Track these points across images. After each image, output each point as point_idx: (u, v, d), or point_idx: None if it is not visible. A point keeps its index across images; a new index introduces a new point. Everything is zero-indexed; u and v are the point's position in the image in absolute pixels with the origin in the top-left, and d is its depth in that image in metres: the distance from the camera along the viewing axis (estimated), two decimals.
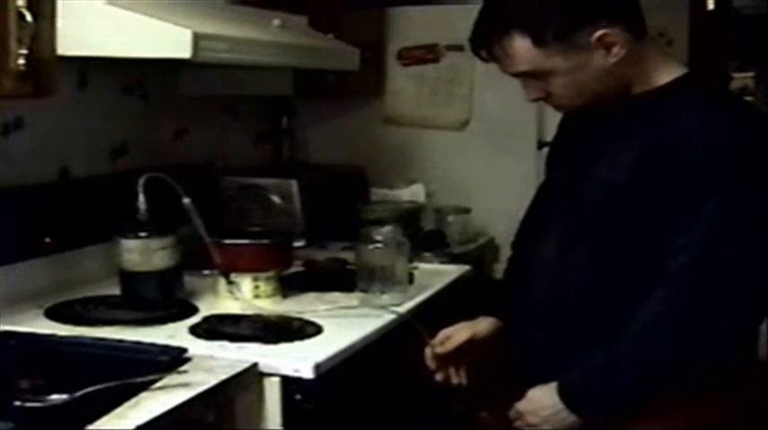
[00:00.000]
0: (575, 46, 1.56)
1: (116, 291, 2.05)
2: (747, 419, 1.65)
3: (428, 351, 1.86)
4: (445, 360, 1.87)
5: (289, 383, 1.70)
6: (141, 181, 1.98)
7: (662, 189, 1.55)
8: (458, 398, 2.08)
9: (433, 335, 1.87)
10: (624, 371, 1.58)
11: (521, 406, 1.71)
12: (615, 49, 1.58)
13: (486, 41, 1.62)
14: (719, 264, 1.52)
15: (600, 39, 1.56)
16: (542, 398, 1.67)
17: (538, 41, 1.56)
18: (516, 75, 1.65)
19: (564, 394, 1.63)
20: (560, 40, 1.56)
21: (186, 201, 1.98)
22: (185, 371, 1.57)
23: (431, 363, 1.87)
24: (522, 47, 1.58)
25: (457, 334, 1.86)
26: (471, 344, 1.86)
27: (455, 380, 1.88)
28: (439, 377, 1.88)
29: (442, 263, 2.72)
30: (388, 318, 1.99)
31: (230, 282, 2.06)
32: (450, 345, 1.85)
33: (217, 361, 1.66)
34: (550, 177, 1.85)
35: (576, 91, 1.62)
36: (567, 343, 1.67)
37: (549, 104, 1.69)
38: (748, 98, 4.93)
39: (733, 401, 1.63)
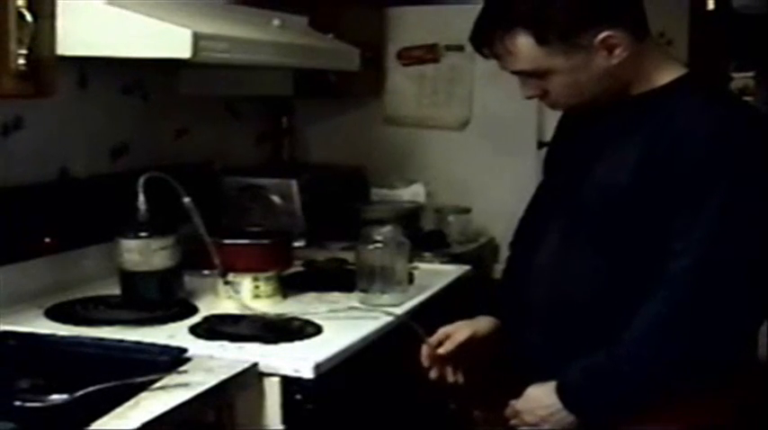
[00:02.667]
0: (577, 46, 1.56)
1: (116, 291, 2.05)
2: (747, 420, 1.65)
3: (425, 349, 1.85)
4: (442, 358, 1.86)
5: (289, 383, 1.70)
6: (141, 181, 1.98)
7: (663, 190, 1.54)
8: (451, 396, 2.08)
9: (431, 334, 1.87)
10: (625, 372, 1.58)
11: (518, 404, 1.71)
12: (617, 51, 1.57)
13: (489, 38, 1.61)
14: (721, 265, 1.52)
15: (603, 41, 1.56)
16: (540, 397, 1.66)
17: (541, 40, 1.56)
18: (516, 72, 1.65)
19: (562, 394, 1.63)
20: (564, 40, 1.56)
21: (186, 200, 1.98)
22: (185, 371, 1.57)
23: (426, 361, 1.86)
24: (524, 45, 1.57)
25: (457, 332, 1.86)
26: (471, 342, 1.86)
27: (450, 379, 1.88)
28: (433, 375, 1.87)
29: (442, 263, 2.72)
30: (387, 318, 1.99)
31: (227, 282, 2.06)
32: (450, 346, 1.85)
33: (217, 361, 1.66)
34: (549, 178, 1.85)
35: (574, 90, 1.62)
36: (565, 345, 1.67)
37: (545, 102, 1.68)
38: (748, 98, 4.92)
39: (733, 402, 1.63)
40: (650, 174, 1.56)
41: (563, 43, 1.56)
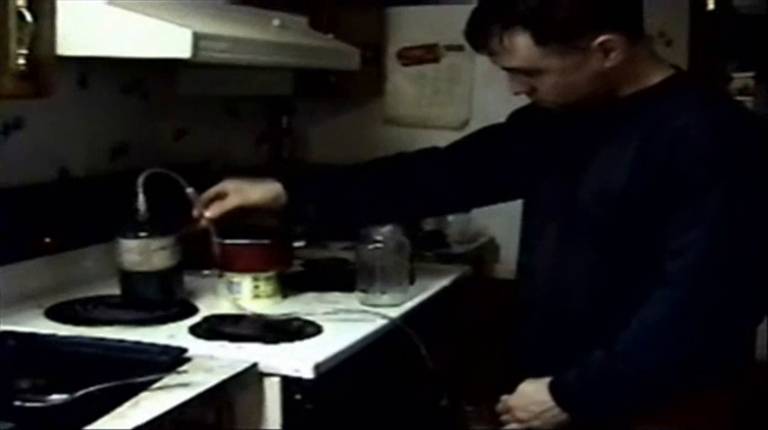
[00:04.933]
0: (574, 48, 1.56)
1: (116, 290, 2.05)
2: (747, 420, 1.65)
3: (196, 211, 1.95)
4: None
5: (289, 383, 1.70)
6: (141, 179, 1.97)
7: (661, 189, 1.54)
8: (444, 391, 2.08)
9: (426, 338, 1.87)
10: (622, 371, 1.58)
11: (511, 400, 1.71)
12: (613, 55, 1.57)
13: (485, 33, 1.60)
14: (719, 264, 1.52)
15: (601, 44, 1.56)
16: (533, 394, 1.67)
17: (540, 41, 1.55)
18: (508, 69, 1.64)
19: (555, 391, 1.63)
20: (563, 41, 1.55)
21: (189, 190, 1.98)
22: (185, 371, 1.57)
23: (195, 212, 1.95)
24: (522, 44, 1.57)
25: (228, 200, 1.96)
26: (242, 210, 1.97)
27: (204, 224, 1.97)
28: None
29: (442, 263, 2.72)
30: (384, 319, 1.99)
31: (220, 275, 2.05)
32: (218, 210, 1.96)
33: (217, 361, 1.65)
34: (541, 178, 1.82)
35: (563, 90, 1.61)
36: (564, 344, 1.67)
37: (532, 99, 1.68)
38: (748, 98, 4.93)
39: (732, 402, 1.63)
40: (647, 172, 1.56)
41: (561, 44, 1.56)
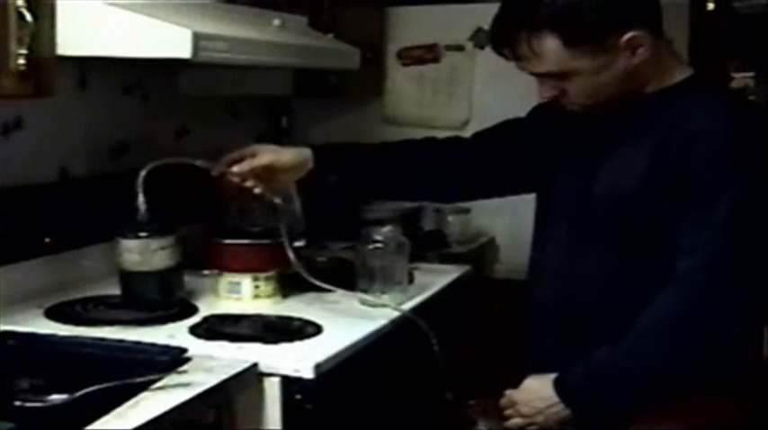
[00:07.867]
0: (603, 47, 1.55)
1: (116, 291, 2.05)
2: (748, 420, 1.65)
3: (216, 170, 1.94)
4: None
5: (289, 383, 1.70)
6: (142, 174, 1.95)
7: (675, 187, 1.54)
8: (447, 386, 2.09)
9: (434, 331, 1.87)
10: (628, 368, 1.58)
11: (515, 395, 1.71)
12: (640, 51, 1.57)
13: (513, 39, 1.59)
14: (729, 264, 1.52)
15: (629, 41, 1.55)
16: (538, 389, 1.67)
17: (569, 42, 1.55)
18: (537, 74, 1.63)
19: (560, 387, 1.63)
20: (592, 42, 1.55)
21: (199, 162, 1.98)
22: (185, 371, 1.57)
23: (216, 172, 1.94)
24: (551, 47, 1.56)
25: (260, 157, 1.93)
26: (269, 172, 1.93)
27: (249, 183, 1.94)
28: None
29: (442, 263, 2.72)
30: (388, 316, 1.99)
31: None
32: (248, 166, 1.92)
33: (217, 361, 1.65)
34: (555, 179, 1.82)
35: (594, 91, 1.61)
36: (578, 345, 1.66)
37: (561, 102, 1.67)
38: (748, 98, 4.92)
39: (733, 402, 1.63)
40: (661, 172, 1.56)
41: (590, 45, 1.55)
